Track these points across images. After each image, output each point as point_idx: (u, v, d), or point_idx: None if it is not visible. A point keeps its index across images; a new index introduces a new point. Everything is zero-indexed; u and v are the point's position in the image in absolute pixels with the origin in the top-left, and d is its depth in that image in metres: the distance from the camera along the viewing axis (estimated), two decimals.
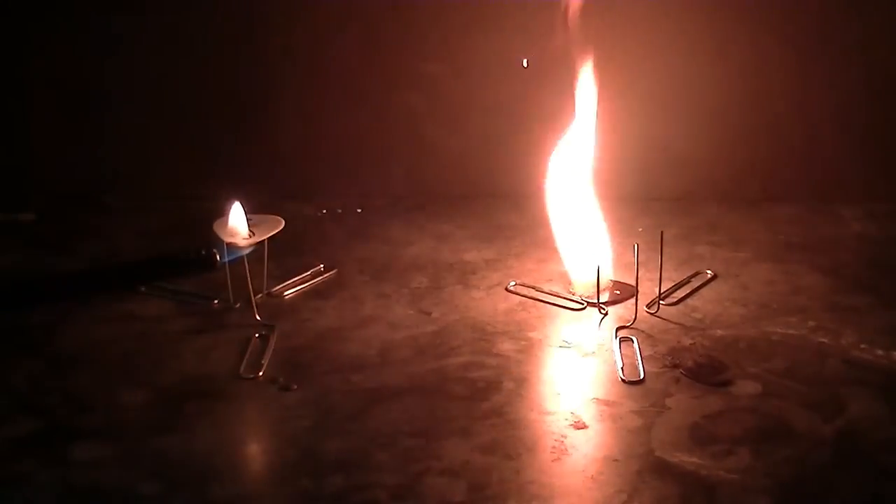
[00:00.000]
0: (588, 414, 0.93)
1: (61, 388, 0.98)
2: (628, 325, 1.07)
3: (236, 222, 1.08)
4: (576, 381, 1.00)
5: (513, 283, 1.16)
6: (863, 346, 1.02)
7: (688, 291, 1.14)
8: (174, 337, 1.07)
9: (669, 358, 1.01)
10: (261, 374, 0.99)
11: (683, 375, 0.98)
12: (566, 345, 1.04)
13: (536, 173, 1.18)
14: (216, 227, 1.09)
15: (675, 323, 1.08)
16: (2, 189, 1.38)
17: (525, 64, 1.16)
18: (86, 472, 0.86)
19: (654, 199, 1.34)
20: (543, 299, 1.13)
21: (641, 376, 0.98)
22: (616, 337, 1.05)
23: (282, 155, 1.40)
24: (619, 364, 1.00)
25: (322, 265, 1.20)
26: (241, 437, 0.91)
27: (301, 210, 1.35)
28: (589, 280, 1.11)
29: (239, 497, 0.83)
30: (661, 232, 1.09)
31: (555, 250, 1.17)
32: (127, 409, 0.95)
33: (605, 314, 1.10)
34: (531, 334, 1.06)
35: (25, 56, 1.38)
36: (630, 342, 1.04)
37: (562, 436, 0.90)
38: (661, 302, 1.10)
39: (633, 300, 1.10)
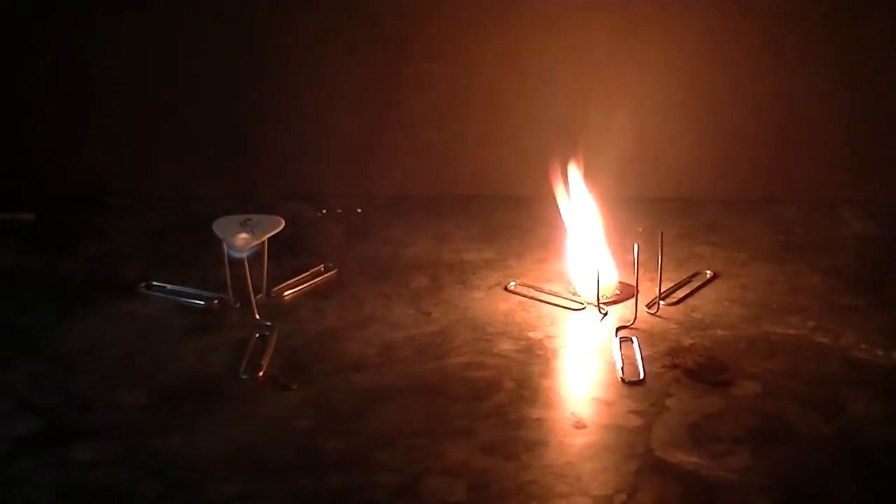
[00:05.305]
0: (588, 414, 0.93)
1: (61, 388, 0.98)
2: (628, 325, 1.07)
3: (229, 230, 1.08)
4: (576, 381, 1.00)
5: (513, 283, 1.16)
6: (863, 346, 1.02)
7: (688, 291, 1.14)
8: (174, 337, 1.07)
9: (669, 358, 1.01)
10: (261, 374, 0.99)
11: (683, 375, 0.98)
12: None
13: (537, 173, 1.19)
14: (216, 227, 1.09)
15: (676, 323, 1.08)
16: (2, 189, 1.38)
17: None
18: (86, 472, 0.86)
19: (654, 199, 1.34)
20: (543, 299, 1.13)
21: (641, 376, 0.98)
22: (616, 337, 1.05)
23: (282, 155, 1.40)
24: (619, 364, 1.00)
25: (322, 265, 1.20)
26: (241, 437, 0.91)
27: (301, 210, 1.35)
28: (597, 285, 1.11)
29: (239, 497, 0.83)
30: (661, 232, 1.09)
31: (555, 251, 1.17)
32: (127, 409, 0.95)
33: (606, 314, 1.10)
34: (531, 334, 1.06)
35: (26, 56, 1.38)
36: (630, 342, 1.04)
37: (562, 436, 0.90)
38: (661, 302, 1.10)
39: (633, 300, 1.10)
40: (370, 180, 1.39)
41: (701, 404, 0.94)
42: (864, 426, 0.90)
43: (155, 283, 1.16)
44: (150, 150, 1.40)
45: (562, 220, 1.15)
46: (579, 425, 0.91)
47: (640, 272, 1.09)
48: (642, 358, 1.01)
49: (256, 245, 1.08)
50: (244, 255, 1.07)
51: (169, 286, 1.15)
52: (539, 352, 1.03)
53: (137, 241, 1.29)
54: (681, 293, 1.14)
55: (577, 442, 0.89)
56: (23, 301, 1.14)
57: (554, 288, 1.15)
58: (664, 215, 1.31)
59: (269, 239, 1.09)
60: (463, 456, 0.87)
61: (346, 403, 0.95)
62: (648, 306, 1.10)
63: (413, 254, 1.25)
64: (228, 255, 1.08)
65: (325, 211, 1.37)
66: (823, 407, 0.92)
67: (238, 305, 1.11)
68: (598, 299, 1.10)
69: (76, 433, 0.91)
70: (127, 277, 1.18)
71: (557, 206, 1.15)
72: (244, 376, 0.99)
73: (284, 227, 1.10)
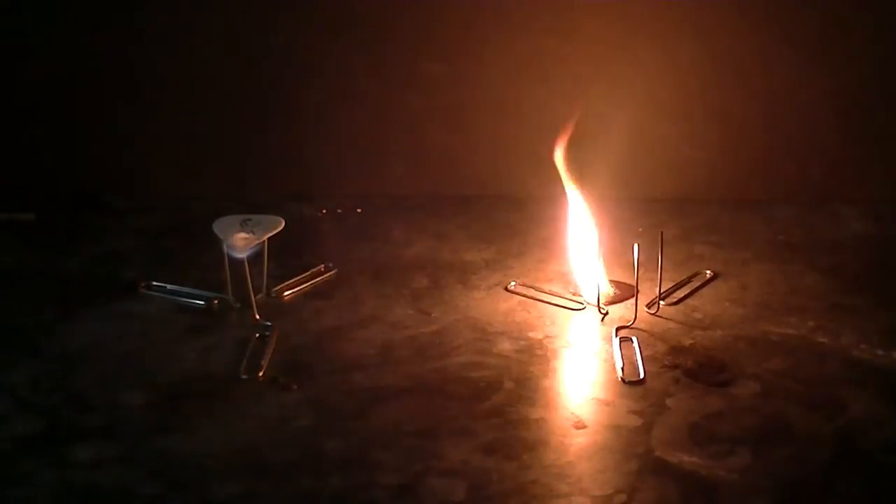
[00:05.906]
0: (588, 414, 0.93)
1: (61, 388, 0.98)
2: (628, 325, 1.07)
3: (229, 230, 1.08)
4: (576, 381, 1.00)
5: (513, 283, 1.16)
6: (863, 346, 1.02)
7: (688, 291, 1.14)
8: (174, 337, 1.07)
9: (669, 358, 1.01)
10: (261, 374, 0.99)
11: (683, 375, 0.98)
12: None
13: (536, 174, 1.19)
14: (216, 227, 1.09)
15: (676, 323, 1.08)
16: (2, 189, 1.38)
17: None
18: (86, 472, 0.86)
19: (654, 199, 1.34)
20: (543, 299, 1.13)
21: (641, 376, 0.98)
22: (616, 337, 1.05)
23: (282, 155, 1.40)
24: (619, 364, 1.00)
25: (322, 265, 1.20)
26: (241, 437, 0.91)
27: (301, 210, 1.35)
28: (602, 287, 1.11)
29: (239, 497, 0.83)
30: (661, 232, 1.09)
31: (555, 251, 1.17)
32: (127, 409, 0.95)
33: (606, 314, 1.10)
34: (531, 334, 1.06)
35: (25, 55, 1.38)
36: (630, 342, 1.04)
37: (562, 436, 0.90)
38: (661, 302, 1.10)
39: (633, 300, 1.10)
40: (370, 180, 1.39)
41: (701, 404, 0.94)
42: (864, 426, 0.90)
43: (155, 283, 1.16)
44: (150, 150, 1.40)
45: (562, 220, 1.15)
46: (579, 425, 0.91)
47: (640, 272, 1.09)
48: (642, 358, 1.01)
49: (256, 245, 1.08)
50: (244, 255, 1.07)
51: (169, 286, 1.15)
52: (539, 352, 1.03)
53: (137, 241, 1.29)
54: (681, 293, 1.14)
55: (577, 442, 0.89)
56: (23, 301, 1.14)
57: (554, 288, 1.15)
58: (664, 215, 1.31)
59: (269, 239, 1.09)
60: (463, 456, 0.87)
61: (346, 403, 0.95)
62: (648, 306, 1.11)
63: (413, 254, 1.25)
64: (228, 255, 1.08)
65: (325, 211, 1.37)
66: (823, 407, 0.92)
67: (238, 305, 1.11)
68: (599, 299, 1.10)
69: (76, 433, 0.91)
70: (127, 277, 1.18)
71: (557, 206, 1.15)
72: (244, 376, 0.99)
73: (284, 227, 1.10)
